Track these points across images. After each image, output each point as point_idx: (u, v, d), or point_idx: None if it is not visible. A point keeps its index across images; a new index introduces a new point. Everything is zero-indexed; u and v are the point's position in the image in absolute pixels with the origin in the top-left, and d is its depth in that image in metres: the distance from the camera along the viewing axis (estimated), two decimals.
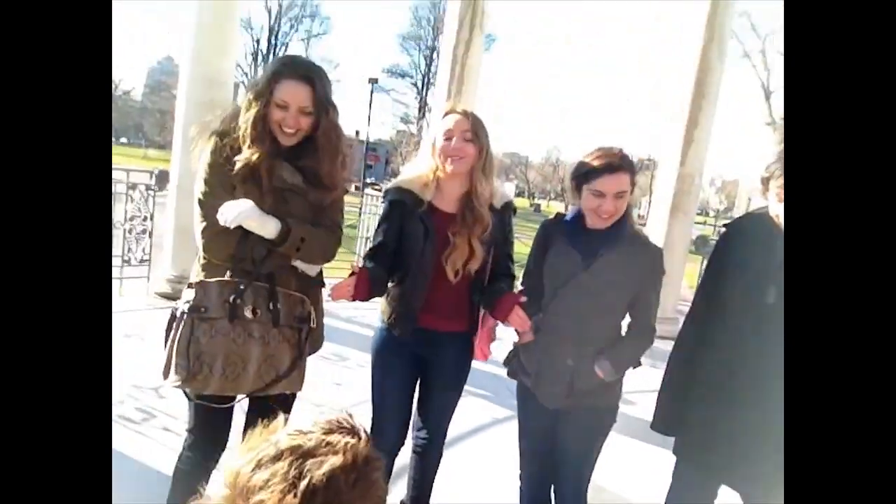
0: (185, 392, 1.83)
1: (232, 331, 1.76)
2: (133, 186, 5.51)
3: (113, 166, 4.47)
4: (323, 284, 2.03)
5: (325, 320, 2.09)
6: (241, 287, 1.77)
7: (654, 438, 2.13)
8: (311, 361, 1.96)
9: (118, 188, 5.48)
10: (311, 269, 1.93)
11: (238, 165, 1.77)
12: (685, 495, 1.89)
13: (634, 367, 2.05)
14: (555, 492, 2.15)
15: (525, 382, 2.12)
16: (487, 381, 3.93)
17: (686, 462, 1.89)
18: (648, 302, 2.03)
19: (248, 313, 1.78)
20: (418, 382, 2.24)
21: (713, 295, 1.85)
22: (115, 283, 5.41)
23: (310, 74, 1.83)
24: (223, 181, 1.79)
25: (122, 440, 2.76)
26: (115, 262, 5.54)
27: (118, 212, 5.51)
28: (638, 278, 1.98)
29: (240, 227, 1.74)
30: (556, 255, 2.03)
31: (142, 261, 5.58)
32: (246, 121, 1.79)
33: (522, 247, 6.04)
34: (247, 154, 1.77)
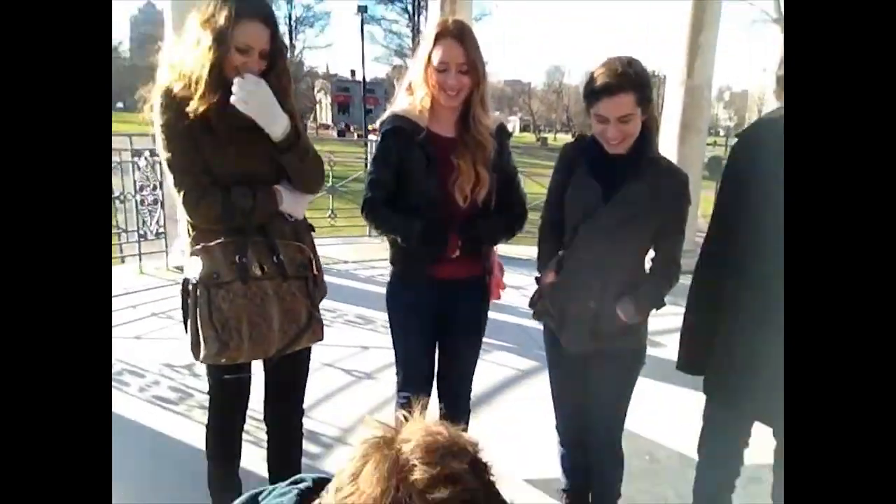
0: (209, 367, 1.84)
1: (248, 291, 1.72)
2: (138, 153, 5.29)
3: (114, 133, 4.31)
4: (312, 228, 1.99)
5: (346, 283, 2.09)
6: (242, 245, 1.73)
7: (686, 380, 2.11)
8: (338, 327, 1.96)
9: (123, 156, 5.26)
10: (297, 211, 1.88)
11: (192, 116, 1.67)
12: (718, 436, 1.89)
13: (658, 308, 1.97)
14: (589, 446, 2.14)
15: (550, 325, 2.07)
16: (511, 332, 3.95)
17: (716, 401, 1.87)
18: (674, 235, 1.91)
19: (256, 271, 1.74)
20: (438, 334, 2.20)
21: (729, 218, 1.76)
22: (133, 260, 5.40)
23: (269, 14, 1.71)
24: (184, 136, 1.69)
25: (161, 421, 2.83)
26: (132, 237, 5.46)
27: (127, 183, 5.34)
28: (662, 209, 1.87)
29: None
30: (575, 187, 1.93)
31: (157, 234, 5.50)
32: (201, 66, 1.65)
33: (533, 185, 5.95)
34: (199, 103, 1.66)
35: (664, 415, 3.06)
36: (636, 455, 2.73)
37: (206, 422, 2.00)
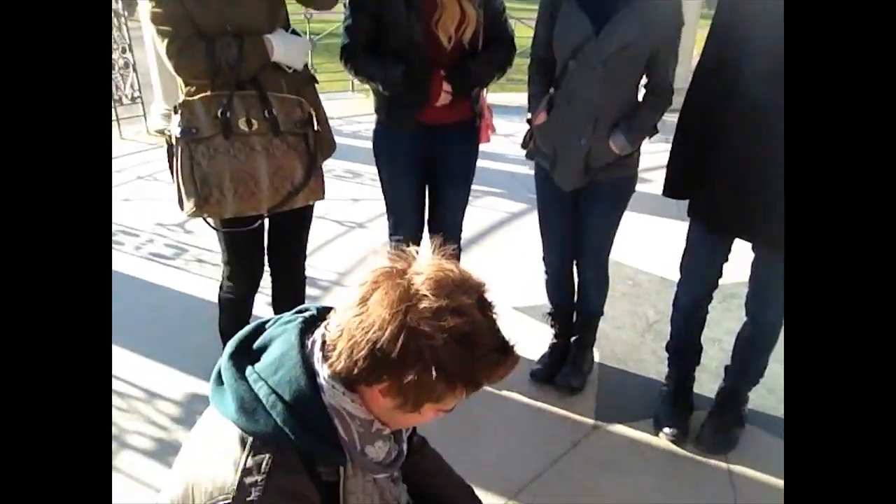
0: (206, 221, 1.83)
1: (231, 147, 1.68)
2: None
3: None
4: (316, 81, 1.91)
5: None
6: (227, 99, 1.67)
7: (671, 212, 2.14)
8: (326, 181, 1.93)
9: None
10: (295, 61, 1.79)
11: None
12: (699, 253, 1.95)
13: (651, 137, 1.96)
14: (577, 269, 2.22)
15: (542, 164, 2.06)
16: (501, 178, 3.96)
17: (698, 221, 1.90)
18: (666, 59, 1.85)
19: (242, 126, 1.69)
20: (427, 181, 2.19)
21: (723, 45, 1.71)
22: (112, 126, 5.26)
23: None
24: None
25: (159, 275, 2.88)
26: None
27: None
28: (654, 36, 1.80)
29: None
30: (563, 20, 1.84)
31: (133, 98, 5.33)
32: None
33: (525, 30, 5.67)
34: None
35: (648, 245, 3.14)
36: (619, 280, 2.85)
37: (204, 273, 2.02)
